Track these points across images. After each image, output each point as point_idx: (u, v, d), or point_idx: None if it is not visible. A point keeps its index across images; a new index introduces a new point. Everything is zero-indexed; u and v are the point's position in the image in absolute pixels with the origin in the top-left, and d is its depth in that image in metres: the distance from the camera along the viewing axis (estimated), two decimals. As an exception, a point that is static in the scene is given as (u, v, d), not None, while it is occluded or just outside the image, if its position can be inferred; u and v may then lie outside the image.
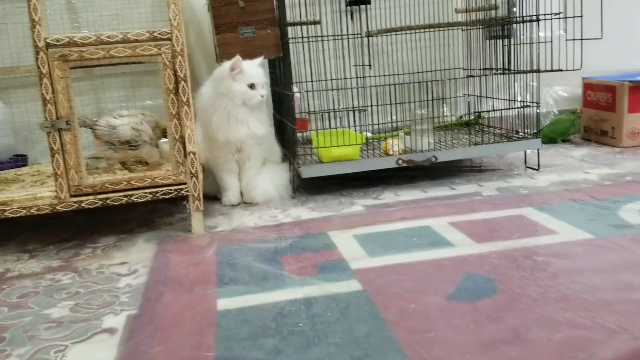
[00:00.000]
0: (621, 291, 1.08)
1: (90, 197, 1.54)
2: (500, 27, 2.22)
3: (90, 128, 1.71)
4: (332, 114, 2.20)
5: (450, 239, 1.43)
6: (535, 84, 2.08)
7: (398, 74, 2.24)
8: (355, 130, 2.04)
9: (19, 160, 2.15)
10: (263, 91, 1.89)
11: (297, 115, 2.01)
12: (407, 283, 1.19)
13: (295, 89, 1.99)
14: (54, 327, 1.12)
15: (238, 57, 1.83)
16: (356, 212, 1.74)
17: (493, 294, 1.10)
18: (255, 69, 1.89)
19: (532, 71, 2.04)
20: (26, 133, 2.18)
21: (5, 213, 1.52)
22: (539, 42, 2.02)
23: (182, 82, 1.55)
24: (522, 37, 2.12)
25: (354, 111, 2.11)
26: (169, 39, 1.53)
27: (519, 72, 2.11)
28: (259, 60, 1.91)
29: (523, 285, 1.13)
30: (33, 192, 1.61)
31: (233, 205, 1.94)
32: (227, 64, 1.84)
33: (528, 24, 2.06)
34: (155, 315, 1.12)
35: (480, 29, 2.33)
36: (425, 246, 1.39)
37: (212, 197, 2.01)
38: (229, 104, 1.85)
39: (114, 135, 1.69)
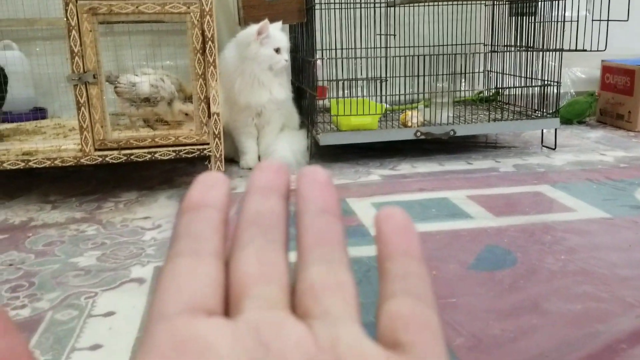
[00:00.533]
0: (638, 268, 1.10)
1: (115, 152, 1.56)
2: (525, 4, 2.21)
3: (113, 84, 1.72)
4: (351, 83, 2.20)
5: (469, 211, 1.45)
6: (556, 63, 2.07)
7: (419, 46, 2.23)
8: (375, 100, 2.05)
9: (39, 113, 2.16)
10: (287, 55, 1.90)
11: (318, 83, 2.02)
12: (427, 251, 1.21)
13: (317, 56, 1.99)
14: (82, 275, 1.14)
15: (266, 20, 1.82)
16: (373, 181, 1.76)
17: (512, 265, 1.13)
18: (280, 33, 1.89)
19: (555, 50, 2.03)
20: (46, 86, 2.19)
21: (30, 163, 1.54)
22: (564, 21, 2.01)
23: (210, 42, 1.56)
24: (546, 15, 2.10)
25: (374, 81, 2.11)
26: (199, -2, 1.53)
27: (542, 50, 2.11)
28: (279, 24, 1.91)
29: (542, 258, 1.15)
30: (57, 144, 1.63)
31: (250, 169, 1.96)
32: (253, 28, 1.84)
33: (554, 2, 2.05)
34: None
35: (506, 5, 2.31)
36: (444, 217, 1.41)
37: (230, 159, 2.03)
38: (255, 68, 1.85)
39: (134, 92, 1.70)
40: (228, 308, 0.18)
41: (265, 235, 0.20)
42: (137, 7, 1.51)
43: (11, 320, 0.17)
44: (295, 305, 0.19)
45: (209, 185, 0.21)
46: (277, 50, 1.85)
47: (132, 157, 1.57)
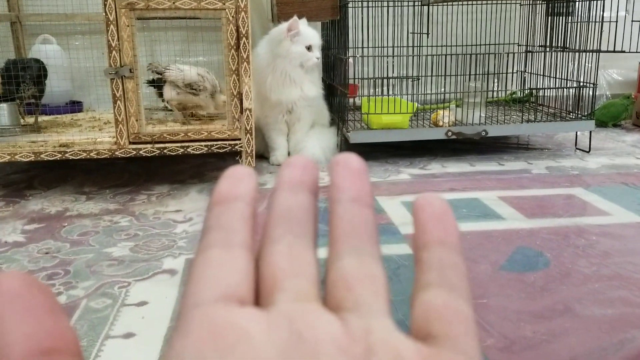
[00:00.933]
0: (676, 275, 1.08)
1: (149, 146, 1.58)
2: (562, 4, 2.17)
3: (161, 74, 1.76)
4: (383, 81, 2.19)
5: (500, 212, 1.43)
6: (592, 64, 2.03)
7: (453, 45, 2.22)
8: (406, 99, 2.04)
9: (75, 106, 2.21)
10: (318, 53, 1.90)
11: (349, 81, 2.02)
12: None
13: (349, 53, 1.99)
14: (115, 265, 1.17)
15: (295, 17, 1.83)
16: (403, 180, 1.76)
17: (545, 268, 1.11)
18: (311, 31, 1.90)
19: (592, 51, 2.00)
20: (83, 79, 2.24)
21: (67, 154, 1.58)
22: (602, 22, 1.97)
23: (244, 38, 1.57)
24: (583, 15, 2.07)
25: (406, 79, 2.10)
26: (234, -6, 1.54)
27: (579, 50, 2.07)
28: (305, 21, 1.92)
29: (575, 261, 1.14)
30: (93, 136, 1.66)
31: (280, 165, 1.96)
32: (284, 25, 1.85)
33: (591, 1, 2.01)
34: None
35: (542, 5, 2.28)
36: (475, 217, 1.40)
37: (260, 155, 2.04)
38: (287, 65, 1.86)
39: (180, 76, 1.74)
40: (259, 300, 0.19)
41: (295, 231, 0.20)
42: (173, 3, 1.53)
43: (57, 300, 0.17)
44: (326, 297, 0.19)
45: (238, 179, 0.22)
46: (309, 48, 1.86)
47: (165, 151, 1.59)
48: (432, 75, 2.13)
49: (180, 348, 0.16)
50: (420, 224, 0.20)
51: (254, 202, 0.21)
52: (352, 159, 0.22)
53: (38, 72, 1.72)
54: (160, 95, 1.86)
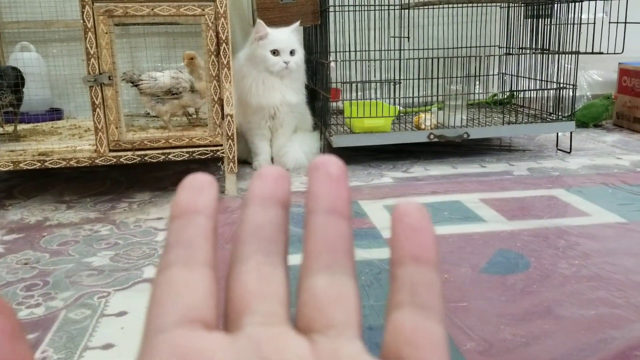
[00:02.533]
0: (654, 274, 1.09)
1: (129, 153, 1.57)
2: (541, 6, 2.19)
3: (136, 84, 1.74)
4: (365, 85, 2.20)
5: (482, 214, 1.44)
6: (572, 65, 2.05)
7: (434, 48, 2.23)
8: (388, 103, 2.04)
9: (54, 114, 2.19)
10: (288, 57, 1.85)
11: (331, 85, 2.02)
12: (439, 254, 1.20)
13: (330, 58, 1.99)
14: (95, 275, 1.15)
15: (259, 21, 1.83)
16: (386, 183, 1.76)
17: (525, 270, 1.12)
18: (280, 35, 1.85)
19: (571, 52, 2.02)
20: (62, 87, 2.22)
21: (46, 163, 1.56)
22: (580, 24, 1.99)
23: (224, 44, 1.57)
24: (562, 17, 2.09)
25: (388, 83, 2.10)
26: (213, 0, 1.54)
27: (558, 52, 2.09)
28: (293, 27, 1.90)
29: (555, 263, 1.14)
30: (73, 144, 1.64)
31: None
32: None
33: (570, 4, 2.03)
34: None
35: (521, 7, 2.30)
36: (456, 220, 1.40)
37: (243, 161, 2.04)
38: (253, 70, 1.86)
39: (156, 86, 1.72)
40: (226, 323, 0.18)
41: (264, 249, 0.19)
42: (152, 10, 1.52)
43: (20, 323, 0.17)
44: (297, 316, 0.19)
45: (197, 189, 0.20)
46: (274, 52, 1.84)
47: (146, 158, 1.58)
48: (413, 79, 2.14)
49: None
50: (395, 238, 0.20)
51: (215, 214, 0.20)
52: (331, 164, 0.21)
53: (15, 80, 1.70)
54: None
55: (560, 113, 2.11)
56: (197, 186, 0.20)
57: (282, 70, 1.86)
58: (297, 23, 1.92)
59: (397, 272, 0.19)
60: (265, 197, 0.21)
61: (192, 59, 1.80)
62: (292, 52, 1.87)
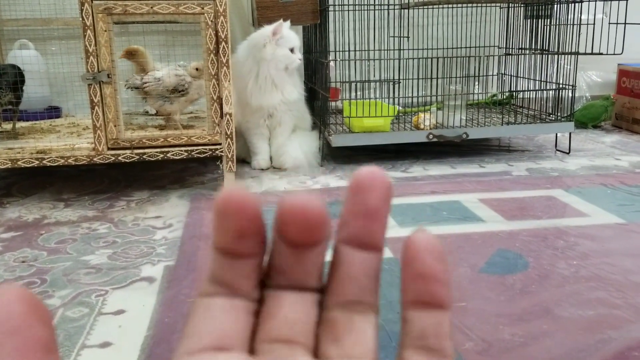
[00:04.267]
0: (653, 275, 1.09)
1: (127, 151, 1.56)
2: (540, 7, 2.19)
3: (141, 88, 1.73)
4: (364, 85, 2.19)
5: (481, 214, 1.44)
6: (571, 66, 2.05)
7: (434, 48, 2.22)
8: (387, 102, 2.04)
9: (53, 112, 2.18)
10: (300, 54, 1.92)
11: (330, 85, 2.02)
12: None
13: (330, 57, 1.99)
14: (93, 273, 1.15)
15: (281, 21, 1.83)
16: (385, 183, 1.75)
17: (524, 270, 1.12)
18: (292, 33, 1.91)
19: (570, 53, 2.02)
20: (61, 85, 2.21)
21: (44, 161, 1.56)
22: (580, 24, 1.99)
23: (223, 43, 1.56)
24: (562, 18, 2.09)
25: (387, 82, 2.10)
26: (213, -1, 1.53)
27: (558, 53, 2.09)
28: (288, 24, 1.91)
29: (554, 263, 1.14)
30: (71, 142, 1.64)
31: (262, 169, 1.96)
32: (267, 29, 1.85)
33: (569, 4, 2.03)
34: (193, 267, 1.15)
35: (520, 7, 2.30)
36: (455, 220, 1.40)
37: (242, 160, 2.03)
38: (272, 69, 1.86)
39: (161, 86, 1.71)
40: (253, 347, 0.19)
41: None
42: (151, 8, 1.52)
43: (55, 333, 0.16)
44: (317, 339, 0.19)
45: (247, 219, 0.18)
46: (292, 50, 1.87)
47: (144, 156, 1.57)
48: (413, 78, 2.14)
49: None
50: (405, 282, 0.19)
51: (263, 255, 0.19)
52: (376, 184, 0.19)
53: (14, 78, 1.69)
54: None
55: (559, 114, 2.11)
56: (246, 216, 0.19)
57: (297, 66, 1.93)
58: (289, 22, 1.93)
59: (407, 315, 0.19)
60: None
61: (131, 53, 1.77)
62: (300, 49, 1.94)
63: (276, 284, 0.19)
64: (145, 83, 1.72)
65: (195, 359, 0.18)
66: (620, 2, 1.84)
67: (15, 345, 0.15)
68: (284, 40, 1.85)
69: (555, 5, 2.12)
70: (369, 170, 0.19)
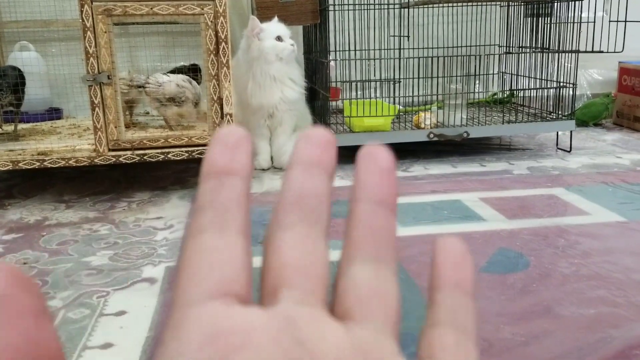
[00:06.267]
0: (654, 273, 1.09)
1: (128, 152, 1.57)
2: (541, 5, 2.19)
3: (142, 87, 1.74)
4: (365, 84, 2.19)
5: (482, 213, 1.44)
6: (572, 64, 2.05)
7: (434, 47, 2.22)
8: (388, 102, 2.04)
9: (54, 113, 2.18)
10: (292, 41, 1.89)
11: (331, 84, 2.02)
12: (439, 253, 1.20)
13: (330, 57, 1.99)
14: (94, 274, 1.15)
15: (252, 17, 1.85)
16: (386, 182, 1.75)
17: (525, 269, 1.12)
18: (275, 24, 1.89)
19: (571, 51, 2.01)
20: (62, 86, 2.21)
21: (45, 163, 1.56)
22: (580, 22, 1.99)
23: (223, 43, 1.56)
24: (562, 16, 2.08)
25: (387, 82, 2.10)
26: (212, -1, 1.53)
27: (558, 51, 2.08)
28: (275, 20, 1.92)
29: (555, 262, 1.14)
30: (72, 144, 1.64)
31: (263, 170, 1.96)
32: (247, 30, 1.87)
33: (570, 2, 2.03)
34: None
35: (521, 6, 2.30)
36: (456, 219, 1.40)
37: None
38: (264, 65, 1.86)
39: (160, 91, 1.71)
40: (261, 291, 0.18)
41: (308, 219, 0.19)
42: (151, 9, 1.52)
43: (44, 299, 0.16)
44: (334, 301, 0.18)
45: (233, 146, 0.19)
46: (279, 38, 1.86)
47: (145, 157, 1.58)
48: (413, 78, 2.14)
49: (177, 351, 0.15)
50: (437, 267, 0.20)
51: (250, 176, 0.19)
52: (382, 154, 0.20)
53: (15, 80, 1.69)
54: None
55: (560, 112, 2.10)
56: (232, 142, 0.19)
57: (291, 53, 1.89)
58: (275, 18, 1.93)
59: (437, 296, 0.19)
60: (311, 161, 0.20)
61: None
62: (290, 37, 1.91)
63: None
64: (148, 84, 1.73)
65: (206, 311, 0.16)
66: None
67: (4, 311, 0.15)
68: (266, 32, 1.85)
69: (556, 4, 2.11)
70: (374, 145, 0.21)
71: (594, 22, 1.88)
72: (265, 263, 0.18)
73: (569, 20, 2.03)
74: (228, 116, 1.60)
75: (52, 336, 0.15)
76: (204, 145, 1.61)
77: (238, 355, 0.15)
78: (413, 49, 2.20)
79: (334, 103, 2.25)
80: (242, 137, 0.19)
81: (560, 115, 2.10)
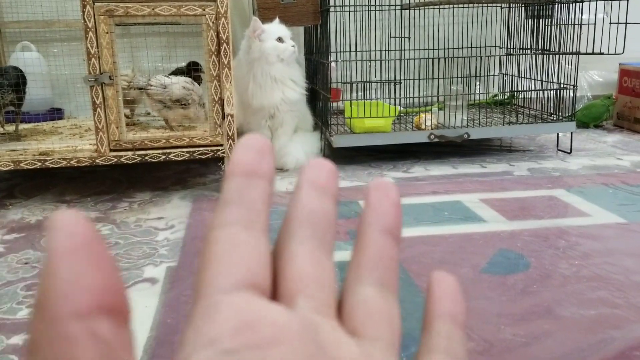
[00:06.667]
0: (654, 275, 1.09)
1: (130, 153, 1.57)
2: (542, 7, 2.19)
3: (144, 89, 1.73)
4: (365, 85, 2.19)
5: (482, 214, 1.44)
6: (572, 66, 2.05)
7: (435, 49, 2.23)
8: (389, 103, 2.04)
9: (55, 113, 2.19)
10: (293, 42, 1.90)
11: (332, 85, 2.02)
12: (439, 254, 1.21)
13: (331, 58, 1.99)
14: (96, 274, 1.15)
15: (254, 18, 1.85)
16: (387, 183, 1.76)
17: (526, 270, 1.12)
18: (276, 26, 1.90)
19: (572, 53, 2.02)
20: (63, 87, 2.22)
21: (46, 163, 1.56)
22: (581, 24, 1.99)
23: (224, 44, 1.57)
24: (563, 17, 2.09)
25: (388, 83, 2.10)
26: (214, 0, 1.54)
27: (559, 53, 2.09)
28: (276, 20, 1.92)
29: (555, 263, 1.14)
30: (73, 144, 1.64)
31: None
32: (248, 31, 1.87)
33: (570, 4, 2.03)
34: (195, 268, 1.16)
35: (521, 8, 2.30)
36: (456, 220, 1.40)
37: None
38: (265, 66, 1.86)
39: (166, 94, 1.71)
40: (275, 295, 0.18)
41: (317, 237, 0.20)
42: (153, 9, 1.52)
43: (109, 250, 0.16)
44: (342, 317, 0.19)
45: (259, 152, 0.20)
46: (280, 40, 1.86)
47: (146, 157, 1.58)
48: (414, 79, 2.14)
49: (208, 336, 0.16)
50: (434, 298, 0.21)
51: (274, 181, 0.20)
52: (390, 188, 0.22)
53: (16, 80, 1.70)
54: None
55: (560, 113, 2.11)
56: (258, 147, 0.20)
57: (292, 54, 1.89)
58: (277, 19, 1.93)
59: (434, 324, 0.21)
60: (320, 185, 0.21)
61: None
62: (291, 38, 1.92)
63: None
64: (150, 86, 1.73)
65: (235, 299, 0.16)
66: (621, 1, 1.84)
67: (79, 256, 0.15)
68: (267, 33, 1.85)
69: (556, 5, 2.12)
70: (385, 180, 0.22)
71: (595, 24, 1.88)
72: (280, 270, 0.19)
73: (570, 22, 2.04)
74: (229, 117, 1.61)
75: (122, 284, 0.16)
76: (205, 145, 1.61)
77: (270, 348, 0.16)
78: (414, 50, 2.21)
79: (334, 104, 2.25)
80: (266, 144, 0.21)
81: (560, 117, 2.10)
